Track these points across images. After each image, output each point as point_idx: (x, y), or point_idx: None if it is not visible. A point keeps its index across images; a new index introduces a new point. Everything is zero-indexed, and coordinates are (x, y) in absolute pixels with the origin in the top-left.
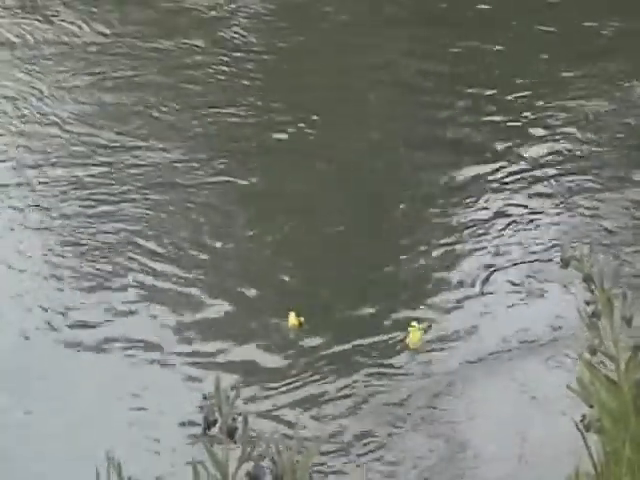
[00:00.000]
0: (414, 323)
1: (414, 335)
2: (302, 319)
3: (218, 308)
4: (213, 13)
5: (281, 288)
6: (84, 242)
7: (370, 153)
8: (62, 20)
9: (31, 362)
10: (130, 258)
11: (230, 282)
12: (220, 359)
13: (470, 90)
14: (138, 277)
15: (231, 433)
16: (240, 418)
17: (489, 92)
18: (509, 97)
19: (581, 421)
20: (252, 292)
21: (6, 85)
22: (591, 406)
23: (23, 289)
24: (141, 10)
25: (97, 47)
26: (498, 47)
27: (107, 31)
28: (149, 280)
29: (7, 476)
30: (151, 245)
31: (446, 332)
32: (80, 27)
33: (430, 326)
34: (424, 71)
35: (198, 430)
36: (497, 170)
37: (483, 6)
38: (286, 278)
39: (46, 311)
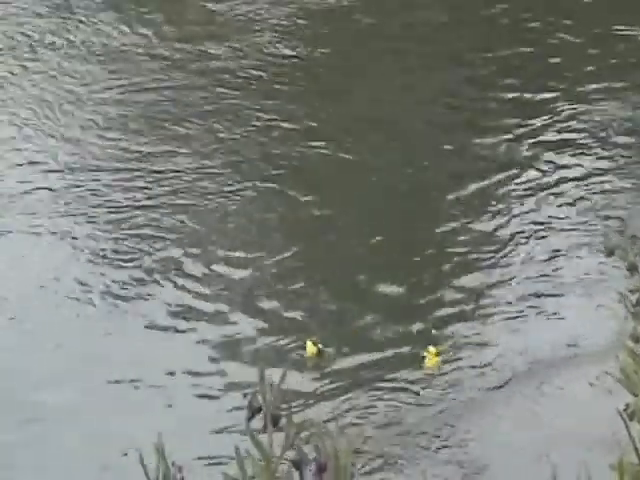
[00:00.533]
0: (431, 347)
1: (431, 359)
2: (321, 346)
3: (240, 321)
4: (249, 17)
5: (306, 304)
6: (111, 248)
7: (402, 162)
8: (103, 22)
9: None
10: (157, 269)
11: (253, 295)
12: (236, 376)
13: (497, 95)
14: (164, 289)
15: (275, 421)
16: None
17: (515, 96)
18: (536, 99)
19: (625, 410)
20: (276, 306)
21: (46, 88)
22: (635, 395)
23: (49, 296)
24: (181, 14)
25: (139, 49)
26: (529, 52)
27: (149, 33)
28: (177, 293)
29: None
30: (179, 254)
31: (462, 354)
32: (122, 31)
33: (447, 350)
34: (455, 75)
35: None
36: (517, 177)
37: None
38: (311, 293)
39: (73, 318)
